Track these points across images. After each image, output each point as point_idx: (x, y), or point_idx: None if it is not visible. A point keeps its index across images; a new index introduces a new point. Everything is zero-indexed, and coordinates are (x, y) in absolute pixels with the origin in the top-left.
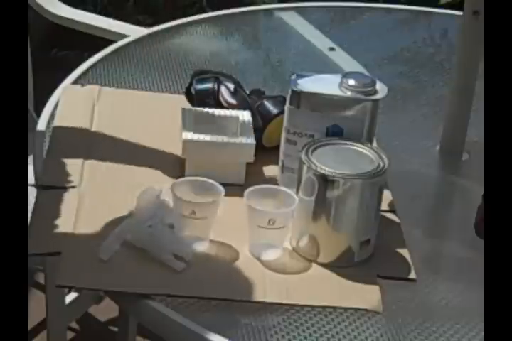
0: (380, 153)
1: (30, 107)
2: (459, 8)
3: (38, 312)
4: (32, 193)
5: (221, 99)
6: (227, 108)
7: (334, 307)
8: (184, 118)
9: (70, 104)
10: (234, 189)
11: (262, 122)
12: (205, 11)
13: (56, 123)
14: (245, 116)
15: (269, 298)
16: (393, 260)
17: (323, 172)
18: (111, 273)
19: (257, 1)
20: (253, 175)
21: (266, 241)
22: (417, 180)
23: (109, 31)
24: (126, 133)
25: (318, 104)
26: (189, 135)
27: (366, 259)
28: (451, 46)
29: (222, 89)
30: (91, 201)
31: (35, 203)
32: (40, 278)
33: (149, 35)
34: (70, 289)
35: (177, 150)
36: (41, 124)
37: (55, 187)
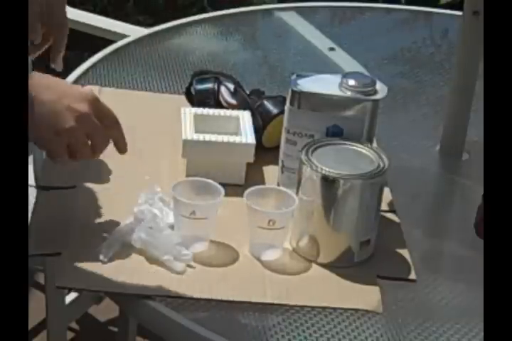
0: (380, 153)
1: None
2: (459, 8)
3: (38, 312)
4: (32, 193)
5: (221, 99)
6: (227, 108)
7: (334, 308)
8: (184, 118)
9: None
10: (234, 189)
11: (262, 122)
12: (205, 11)
13: None
14: (245, 116)
15: (269, 299)
16: (393, 260)
17: (323, 172)
18: (111, 273)
19: (255, 2)
20: (253, 175)
21: (266, 241)
22: (417, 180)
23: (109, 31)
24: (126, 134)
25: (318, 104)
26: (189, 135)
27: (366, 259)
28: (451, 46)
29: (222, 89)
30: (91, 201)
31: (35, 203)
32: (40, 278)
33: (149, 35)
34: (70, 289)
35: (177, 151)
36: None
37: (55, 187)
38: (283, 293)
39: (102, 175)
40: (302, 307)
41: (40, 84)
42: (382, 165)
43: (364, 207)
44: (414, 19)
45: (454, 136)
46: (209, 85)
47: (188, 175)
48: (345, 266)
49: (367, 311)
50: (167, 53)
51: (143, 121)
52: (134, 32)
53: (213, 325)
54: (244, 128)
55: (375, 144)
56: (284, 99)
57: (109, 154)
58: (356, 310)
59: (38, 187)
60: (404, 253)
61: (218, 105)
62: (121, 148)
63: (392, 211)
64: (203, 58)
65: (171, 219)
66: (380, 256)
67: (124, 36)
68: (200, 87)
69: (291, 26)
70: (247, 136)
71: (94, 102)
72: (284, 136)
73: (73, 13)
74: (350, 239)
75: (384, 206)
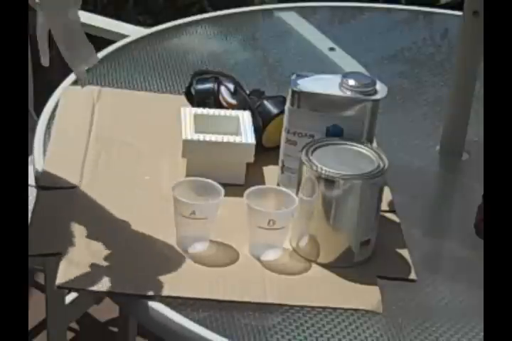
0: (380, 153)
1: (30, 107)
2: (459, 8)
3: (38, 312)
4: (32, 193)
5: (221, 99)
6: (227, 108)
7: (334, 308)
8: (184, 118)
9: (70, 104)
10: (234, 189)
11: (262, 122)
12: (205, 11)
13: (56, 123)
14: (245, 116)
15: (269, 299)
16: (393, 260)
17: (323, 172)
18: (110, 274)
19: (255, 2)
20: (253, 175)
21: (266, 241)
22: (417, 180)
23: (109, 31)
24: (126, 134)
25: (318, 104)
26: (189, 135)
27: (366, 259)
28: (451, 46)
29: (222, 89)
30: (91, 201)
31: (35, 203)
32: (40, 278)
33: (149, 35)
34: (70, 289)
35: (177, 151)
36: (41, 124)
37: (55, 187)
38: (283, 293)
39: (102, 175)
40: (302, 307)
41: None
42: (382, 165)
43: (364, 207)
44: (414, 19)
45: (454, 136)
46: (209, 85)
47: (188, 175)
48: (345, 266)
49: (367, 311)
50: (167, 53)
51: (143, 121)
52: (134, 32)
53: (213, 325)
54: (244, 128)
55: (375, 144)
56: (284, 99)
57: (109, 155)
58: (356, 310)
59: (38, 187)
60: (404, 253)
61: (218, 105)
62: None
63: (392, 211)
64: (203, 58)
65: None
66: (380, 256)
67: (124, 36)
68: (200, 87)
69: (291, 26)
70: (247, 136)
71: None
72: (284, 136)
73: None
74: (350, 239)
75: (384, 206)
